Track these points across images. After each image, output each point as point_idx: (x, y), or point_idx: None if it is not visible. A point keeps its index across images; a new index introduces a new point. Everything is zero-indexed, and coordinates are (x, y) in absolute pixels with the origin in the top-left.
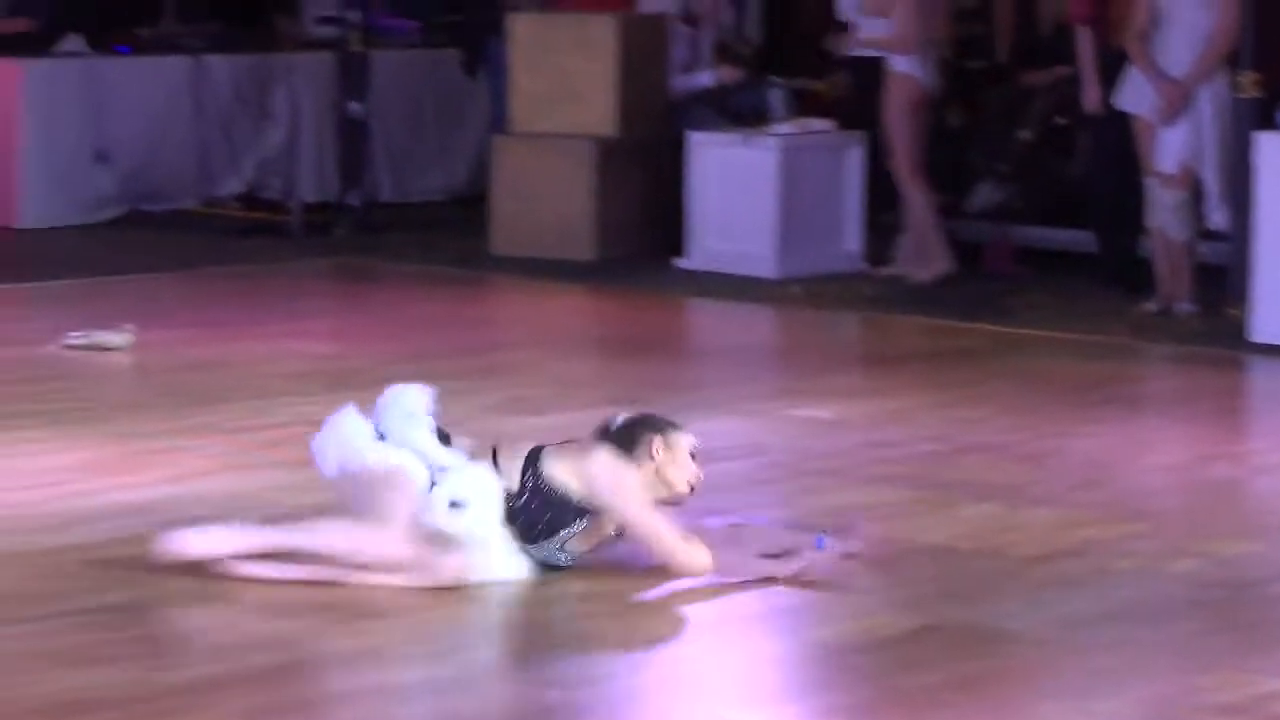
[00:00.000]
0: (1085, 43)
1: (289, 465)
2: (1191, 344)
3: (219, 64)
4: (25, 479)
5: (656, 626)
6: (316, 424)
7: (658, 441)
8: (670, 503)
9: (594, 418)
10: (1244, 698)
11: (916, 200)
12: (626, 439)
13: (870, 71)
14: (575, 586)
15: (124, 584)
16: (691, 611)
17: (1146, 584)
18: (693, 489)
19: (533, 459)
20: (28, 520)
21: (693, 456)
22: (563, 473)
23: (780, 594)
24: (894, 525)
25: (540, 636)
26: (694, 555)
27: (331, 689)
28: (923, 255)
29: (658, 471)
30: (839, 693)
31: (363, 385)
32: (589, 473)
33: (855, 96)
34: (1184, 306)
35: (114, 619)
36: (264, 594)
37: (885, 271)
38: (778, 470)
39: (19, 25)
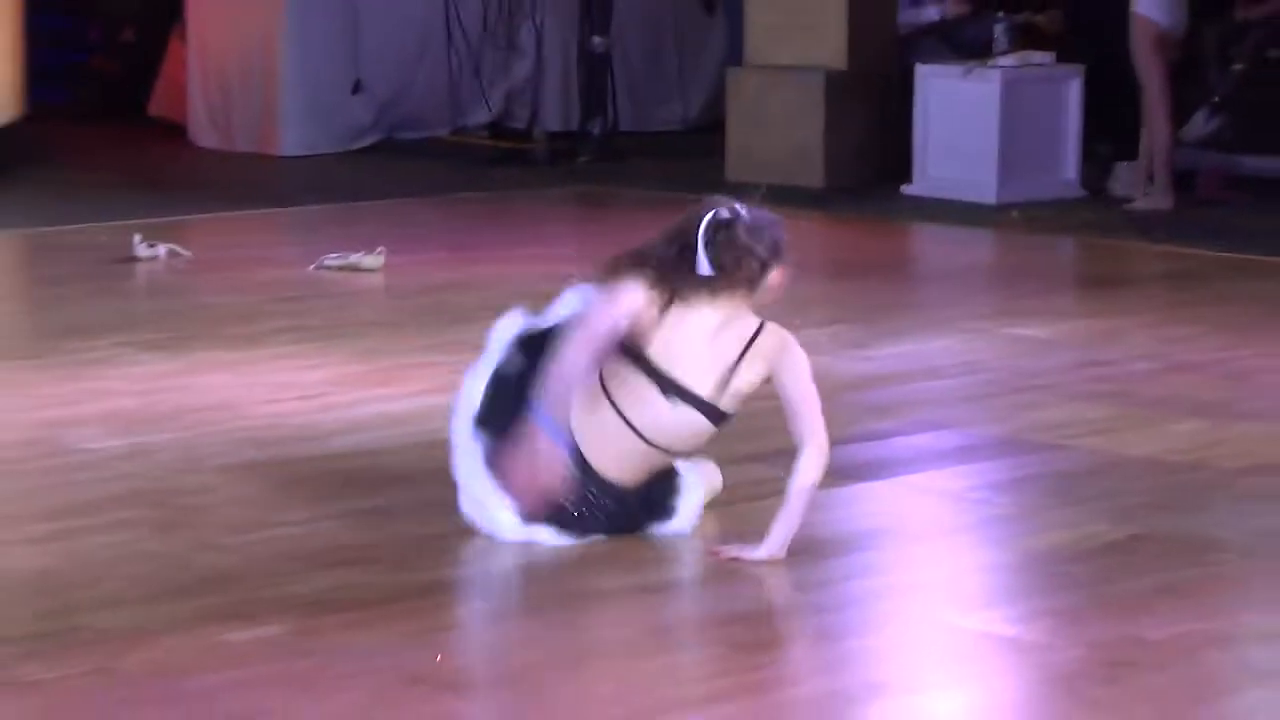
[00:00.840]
0: None
1: None
2: None
3: None
4: (282, 392)
5: (878, 534)
6: None
7: (781, 274)
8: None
9: (825, 335)
10: None
11: (1160, 134)
12: (757, 274)
13: (1087, 6)
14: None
15: (374, 491)
16: (910, 521)
17: None
18: None
19: None
20: (285, 430)
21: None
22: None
23: (991, 505)
24: (1104, 440)
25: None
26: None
27: (577, 589)
28: (1144, 185)
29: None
30: (1051, 597)
31: None
32: (784, 366)
33: (1073, 30)
34: None
35: (364, 523)
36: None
37: (1137, 204)
38: (994, 386)
39: None
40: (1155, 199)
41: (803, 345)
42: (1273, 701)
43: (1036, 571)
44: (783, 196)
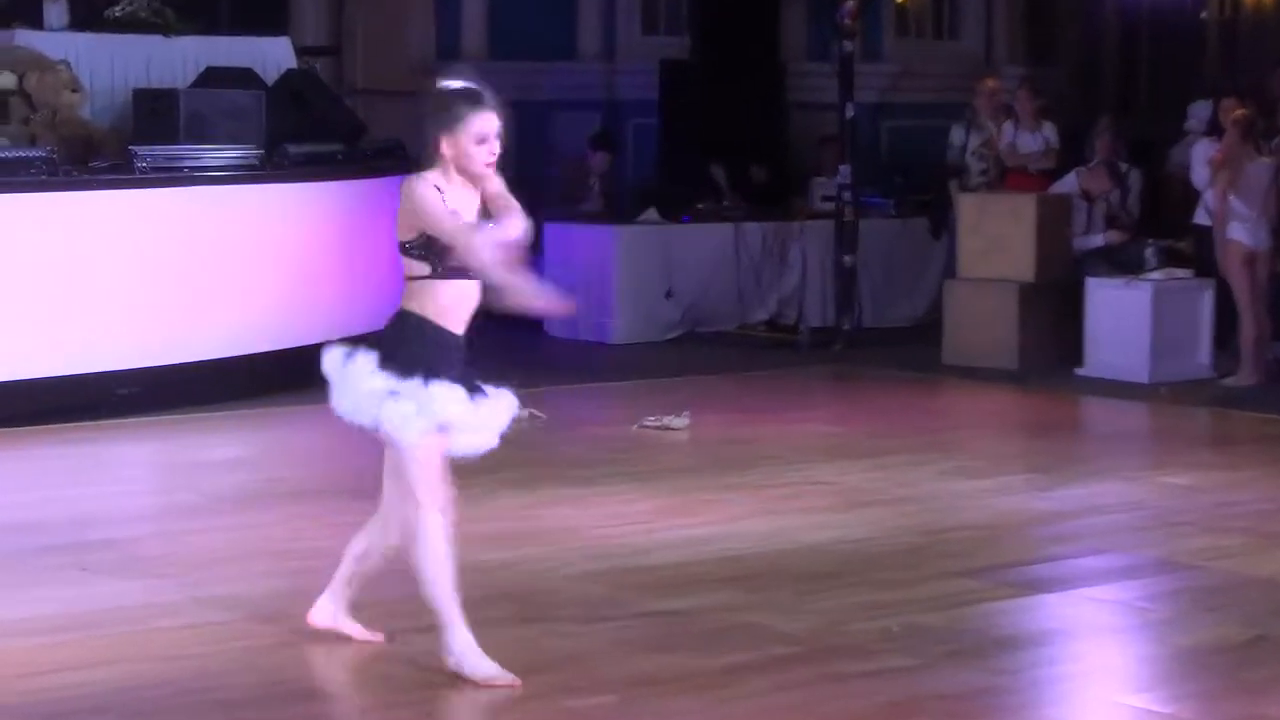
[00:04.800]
0: None
1: (801, 511)
2: None
3: (752, 228)
4: (611, 520)
5: (1058, 633)
6: (820, 483)
7: (443, 140)
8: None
9: (1020, 480)
10: None
11: (1249, 329)
12: (425, 155)
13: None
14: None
15: (679, 594)
16: (1084, 623)
17: None
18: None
19: None
20: (613, 548)
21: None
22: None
23: (1148, 611)
24: (1234, 562)
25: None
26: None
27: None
28: (1246, 369)
29: (454, 167)
30: (1195, 682)
31: (851, 455)
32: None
33: (1204, 253)
34: None
35: (673, 619)
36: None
37: (1226, 381)
38: (1148, 520)
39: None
40: (1243, 378)
41: (999, 490)
42: None
43: (1183, 662)
44: (985, 376)
